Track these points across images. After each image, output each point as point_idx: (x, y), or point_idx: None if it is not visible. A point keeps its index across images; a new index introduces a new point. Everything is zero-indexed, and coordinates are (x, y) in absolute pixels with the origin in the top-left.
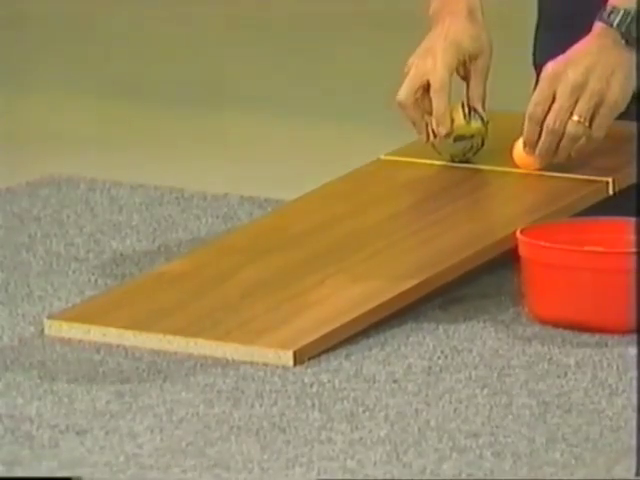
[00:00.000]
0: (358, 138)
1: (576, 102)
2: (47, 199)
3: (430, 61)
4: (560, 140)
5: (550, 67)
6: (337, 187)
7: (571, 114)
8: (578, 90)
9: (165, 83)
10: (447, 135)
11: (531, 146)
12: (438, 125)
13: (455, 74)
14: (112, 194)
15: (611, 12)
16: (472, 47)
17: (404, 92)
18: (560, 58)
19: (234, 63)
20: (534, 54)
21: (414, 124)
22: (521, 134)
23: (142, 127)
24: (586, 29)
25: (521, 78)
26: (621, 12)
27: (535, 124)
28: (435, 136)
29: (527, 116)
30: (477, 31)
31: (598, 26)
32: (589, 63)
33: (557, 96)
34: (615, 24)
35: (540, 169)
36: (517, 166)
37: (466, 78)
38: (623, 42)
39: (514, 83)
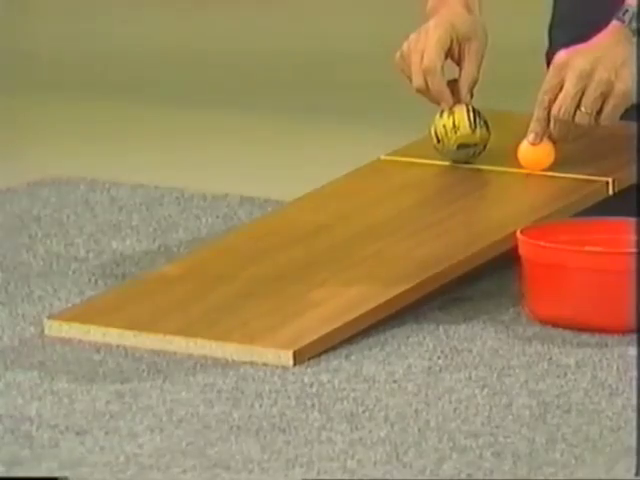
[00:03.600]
0: (358, 138)
1: (584, 91)
2: (47, 199)
3: (422, 39)
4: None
5: (559, 56)
6: (337, 187)
7: (579, 104)
8: (585, 79)
9: (165, 83)
10: (450, 111)
11: (537, 135)
12: (439, 103)
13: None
14: (112, 194)
15: (626, 11)
16: (465, 28)
17: (417, 80)
18: (570, 48)
19: (234, 63)
20: (547, 54)
21: (439, 101)
22: (525, 135)
23: (142, 127)
24: (600, 29)
25: (534, 78)
26: (634, 11)
27: (542, 112)
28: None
29: (536, 105)
30: (472, 18)
31: (612, 24)
32: (598, 54)
33: (564, 84)
34: (627, 22)
35: (544, 169)
36: (522, 166)
37: (459, 62)
38: (635, 40)
39: (527, 82)
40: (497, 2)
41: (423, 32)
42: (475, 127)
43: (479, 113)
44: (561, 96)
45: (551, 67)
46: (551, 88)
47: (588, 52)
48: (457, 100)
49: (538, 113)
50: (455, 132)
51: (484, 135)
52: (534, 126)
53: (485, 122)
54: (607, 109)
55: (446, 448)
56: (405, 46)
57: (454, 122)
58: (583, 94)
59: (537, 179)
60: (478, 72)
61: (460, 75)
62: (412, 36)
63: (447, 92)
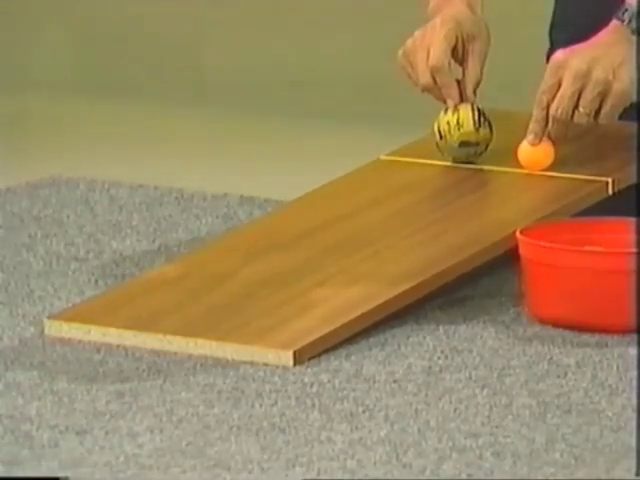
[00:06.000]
0: (358, 138)
1: (581, 91)
2: (47, 199)
3: (428, 36)
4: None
5: (556, 56)
6: (337, 187)
7: (577, 104)
8: (581, 78)
9: (165, 83)
10: (455, 108)
11: (536, 135)
12: (445, 101)
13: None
14: (112, 194)
15: (625, 10)
16: (470, 27)
17: (424, 77)
18: (568, 48)
19: (234, 64)
20: (548, 54)
21: (446, 98)
22: (525, 135)
23: (142, 127)
24: (601, 29)
25: (535, 79)
26: (634, 10)
27: (541, 113)
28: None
29: (535, 105)
30: (476, 17)
31: (612, 23)
32: (595, 53)
33: (561, 84)
34: (627, 21)
35: (543, 169)
36: (522, 166)
37: (463, 61)
38: (634, 39)
39: (527, 82)
40: (498, 2)
41: (429, 29)
42: (479, 126)
43: (484, 113)
44: (558, 96)
45: (548, 67)
46: (549, 88)
47: (585, 52)
48: (461, 100)
49: (537, 113)
50: (458, 129)
51: (487, 135)
52: (533, 126)
53: (489, 123)
54: (605, 109)
55: (446, 448)
56: (409, 43)
57: (458, 119)
58: (581, 94)
59: (537, 179)
60: (482, 72)
61: (464, 75)
62: (417, 33)
63: (455, 89)
